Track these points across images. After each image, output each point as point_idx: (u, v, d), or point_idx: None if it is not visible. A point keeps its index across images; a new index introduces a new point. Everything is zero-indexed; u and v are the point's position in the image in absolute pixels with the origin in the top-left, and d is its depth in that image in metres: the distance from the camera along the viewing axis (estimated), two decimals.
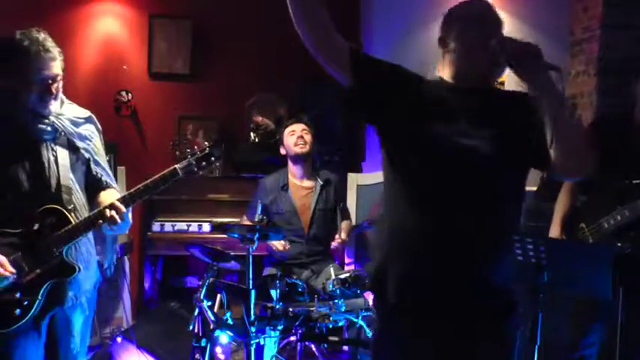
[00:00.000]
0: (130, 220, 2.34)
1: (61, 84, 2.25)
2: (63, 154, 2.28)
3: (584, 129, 1.87)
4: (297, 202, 3.78)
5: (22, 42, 2.15)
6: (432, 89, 1.89)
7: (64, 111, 2.32)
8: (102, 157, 2.43)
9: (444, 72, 1.93)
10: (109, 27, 4.77)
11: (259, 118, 4.74)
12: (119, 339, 3.53)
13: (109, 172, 2.45)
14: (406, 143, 1.85)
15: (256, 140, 4.74)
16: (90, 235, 2.37)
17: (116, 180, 4.34)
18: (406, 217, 1.83)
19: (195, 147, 2.42)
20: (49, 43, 2.19)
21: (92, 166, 2.36)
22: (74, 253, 2.28)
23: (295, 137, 3.73)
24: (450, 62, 1.91)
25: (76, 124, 2.34)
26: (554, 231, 3.01)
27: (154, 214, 4.37)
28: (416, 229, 1.81)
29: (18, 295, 2.16)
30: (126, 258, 4.42)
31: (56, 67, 2.21)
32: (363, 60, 1.90)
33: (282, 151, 3.83)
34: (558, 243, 2.49)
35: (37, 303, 2.18)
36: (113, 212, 2.20)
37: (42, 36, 2.18)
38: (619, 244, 2.79)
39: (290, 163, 3.83)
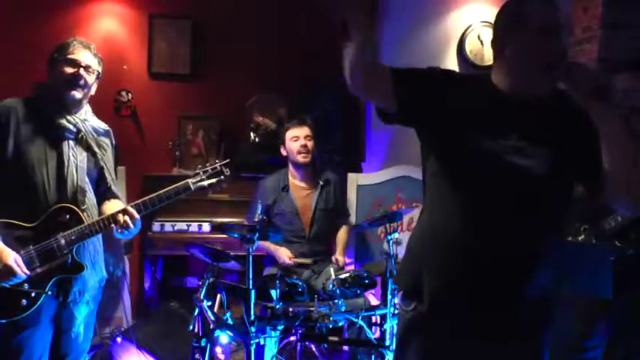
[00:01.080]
0: (140, 227, 2.42)
1: (92, 80, 2.42)
2: (82, 156, 2.40)
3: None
4: (298, 203, 3.79)
5: (69, 39, 2.40)
6: (481, 95, 1.74)
7: (89, 118, 2.47)
8: (112, 170, 2.54)
9: (497, 77, 1.77)
10: (109, 27, 4.77)
11: (260, 118, 4.74)
12: (119, 339, 3.52)
13: (116, 185, 2.55)
14: (454, 156, 1.74)
15: (256, 140, 4.74)
16: (99, 237, 2.48)
17: (116, 180, 4.40)
18: (448, 228, 1.75)
19: (207, 164, 2.54)
20: (92, 44, 2.45)
21: (105, 174, 2.47)
22: (82, 250, 2.37)
23: (298, 145, 3.73)
24: (504, 70, 1.74)
25: (97, 132, 2.48)
26: None
27: (154, 214, 4.37)
28: (458, 243, 1.73)
29: (26, 287, 2.25)
30: (126, 258, 4.42)
31: (89, 57, 2.40)
32: (404, 83, 1.72)
33: (284, 153, 3.83)
34: (559, 243, 2.48)
35: (43, 296, 2.26)
36: (127, 217, 2.31)
37: (88, 42, 2.45)
38: (619, 245, 2.80)
39: (291, 166, 3.83)
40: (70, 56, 2.37)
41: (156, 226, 4.36)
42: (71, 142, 2.38)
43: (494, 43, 1.77)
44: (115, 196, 2.53)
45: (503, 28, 1.73)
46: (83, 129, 2.41)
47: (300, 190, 3.83)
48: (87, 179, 2.41)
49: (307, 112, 4.49)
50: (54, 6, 4.62)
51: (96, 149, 2.44)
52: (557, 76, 1.63)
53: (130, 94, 4.75)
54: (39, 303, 2.26)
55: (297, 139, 3.74)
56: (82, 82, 2.37)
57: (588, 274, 2.07)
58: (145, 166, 4.56)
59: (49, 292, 2.27)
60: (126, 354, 3.47)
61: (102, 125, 2.54)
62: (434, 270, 1.78)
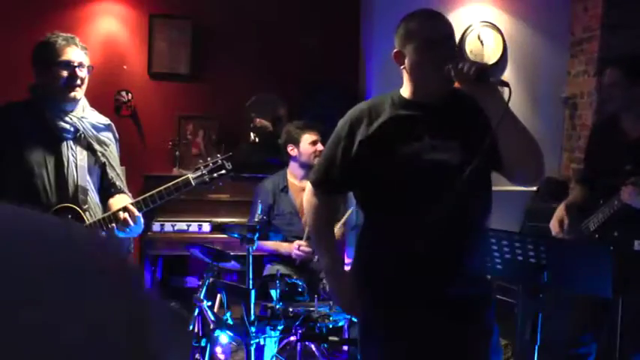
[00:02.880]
0: (142, 225, 2.39)
1: (85, 75, 2.36)
2: (82, 155, 2.37)
3: (530, 136, 1.94)
4: (297, 203, 3.80)
5: (51, 37, 2.34)
6: (389, 111, 1.97)
7: (87, 115, 2.43)
8: (117, 165, 2.50)
9: (404, 88, 2.01)
10: (109, 27, 4.77)
11: (257, 120, 4.75)
12: None
13: (123, 180, 2.52)
14: (382, 171, 1.96)
15: (256, 140, 4.74)
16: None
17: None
18: (385, 230, 1.99)
19: (209, 159, 2.46)
20: (76, 38, 2.39)
21: (107, 170, 2.44)
22: None
23: (316, 150, 3.75)
24: (406, 78, 1.99)
25: (97, 128, 2.44)
26: (558, 211, 3.04)
27: (154, 214, 4.36)
28: (395, 235, 1.94)
29: None
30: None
31: (79, 55, 2.34)
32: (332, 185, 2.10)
33: (293, 152, 3.83)
34: (558, 243, 2.49)
35: None
36: (126, 215, 2.27)
37: (69, 35, 2.39)
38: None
39: (294, 165, 3.84)
40: (63, 58, 2.33)
41: (156, 226, 4.36)
42: (70, 142, 2.36)
43: (396, 58, 1.99)
44: (121, 191, 2.49)
45: (400, 43, 1.97)
46: (81, 127, 2.38)
47: (299, 190, 3.83)
48: (88, 178, 2.38)
49: (307, 112, 4.49)
50: (54, 6, 4.61)
51: (96, 146, 2.41)
52: (447, 76, 1.84)
53: (130, 94, 4.75)
54: None
55: (315, 143, 3.78)
56: (78, 81, 2.35)
57: (587, 272, 2.07)
58: (145, 166, 4.56)
59: None
60: None
61: (102, 120, 2.50)
62: (377, 259, 2.02)
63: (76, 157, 2.36)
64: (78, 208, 2.31)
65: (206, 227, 4.39)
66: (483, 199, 2.03)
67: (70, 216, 2.28)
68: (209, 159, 2.47)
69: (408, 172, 1.92)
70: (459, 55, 1.98)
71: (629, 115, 2.98)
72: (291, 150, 3.83)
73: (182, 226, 4.38)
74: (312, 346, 3.06)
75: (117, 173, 2.48)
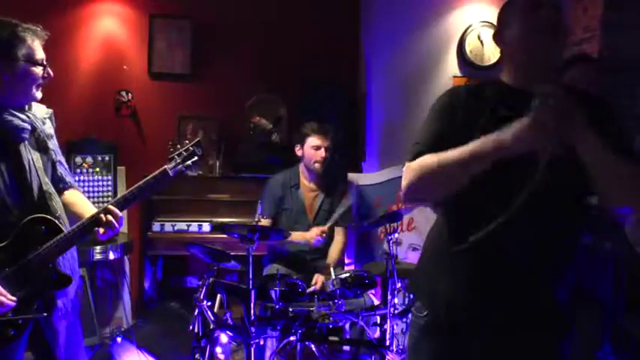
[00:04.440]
0: (123, 222, 2.21)
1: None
2: (36, 156, 2.13)
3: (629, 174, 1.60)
4: (305, 201, 3.82)
5: (13, 28, 2.09)
6: (491, 100, 1.74)
7: (33, 109, 2.20)
8: (62, 157, 2.29)
9: (504, 72, 1.81)
10: (109, 27, 4.77)
11: (256, 119, 4.75)
12: (119, 339, 3.53)
13: (69, 172, 2.34)
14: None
15: (256, 140, 4.74)
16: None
17: (116, 180, 4.41)
18: (466, 234, 1.71)
19: (178, 145, 2.31)
20: (37, 29, 2.13)
21: (57, 166, 2.24)
22: (61, 260, 2.13)
23: (318, 155, 3.75)
24: (506, 61, 1.81)
25: (43, 122, 2.22)
26: None
27: (153, 214, 4.37)
28: (478, 249, 1.70)
29: (10, 315, 2.00)
30: (126, 258, 4.43)
31: (42, 50, 2.11)
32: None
33: (299, 153, 3.84)
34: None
35: (31, 321, 2.05)
36: (109, 217, 2.08)
37: (28, 24, 2.12)
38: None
39: (303, 167, 3.85)
40: (37, 57, 2.09)
41: (156, 226, 4.36)
42: (27, 143, 2.10)
43: (495, 38, 1.81)
44: (70, 186, 2.29)
45: (499, 20, 1.79)
46: (38, 125, 2.14)
47: (308, 190, 3.86)
48: (48, 181, 2.14)
49: (307, 112, 4.49)
50: (54, 6, 4.61)
51: (49, 145, 2.18)
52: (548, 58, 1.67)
53: (130, 94, 4.75)
54: (27, 329, 2.04)
55: (317, 149, 3.76)
56: (43, 79, 2.12)
57: (587, 273, 2.08)
58: (145, 166, 4.50)
59: (44, 314, 2.06)
60: (126, 354, 3.47)
61: (44, 113, 2.25)
62: (449, 272, 1.80)
63: (33, 159, 2.10)
64: (52, 218, 2.08)
65: (206, 227, 4.39)
66: (575, 215, 1.76)
67: (43, 227, 2.06)
68: (179, 146, 2.29)
69: (509, 169, 1.59)
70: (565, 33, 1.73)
71: None
72: (298, 150, 3.84)
73: (182, 226, 4.38)
74: (312, 346, 3.06)
75: (65, 167, 2.28)
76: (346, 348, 3.38)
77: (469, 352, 1.78)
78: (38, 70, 2.10)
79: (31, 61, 2.08)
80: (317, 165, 3.76)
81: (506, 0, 1.82)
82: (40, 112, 2.23)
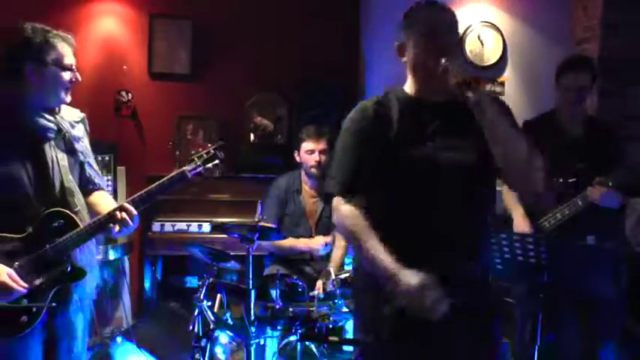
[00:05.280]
0: (138, 221, 2.29)
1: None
2: (62, 155, 2.23)
3: (522, 148, 1.83)
4: (307, 207, 3.81)
5: (44, 34, 2.19)
6: (398, 115, 1.91)
7: (63, 113, 2.31)
8: (92, 159, 2.40)
9: (407, 82, 1.96)
10: (109, 27, 4.77)
11: (258, 119, 4.75)
12: (119, 339, 3.52)
13: (99, 174, 2.42)
14: (395, 173, 1.88)
15: (256, 141, 4.74)
16: (93, 243, 2.35)
17: (116, 180, 4.41)
18: (399, 229, 1.87)
19: (200, 149, 2.38)
20: (68, 36, 2.26)
21: (86, 167, 2.33)
22: (78, 255, 2.22)
23: (312, 159, 3.71)
24: (409, 74, 1.95)
25: (72, 125, 2.32)
26: (522, 224, 3.03)
27: (153, 214, 4.37)
28: (411, 236, 1.85)
29: (25, 302, 2.10)
30: (126, 258, 4.42)
31: (73, 56, 2.25)
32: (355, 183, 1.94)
33: (297, 159, 3.82)
34: (558, 243, 2.49)
35: (44, 309, 2.12)
36: (124, 214, 2.17)
37: (58, 31, 2.24)
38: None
39: (303, 172, 3.84)
40: (66, 62, 2.21)
41: (156, 226, 4.35)
42: (52, 142, 2.21)
43: (398, 51, 1.95)
44: (99, 188, 2.38)
45: (402, 35, 1.94)
46: (64, 127, 2.25)
47: (309, 196, 3.86)
48: (72, 179, 2.24)
49: (307, 111, 4.49)
50: (54, 6, 4.61)
51: (76, 145, 2.28)
52: (443, 71, 1.78)
53: (130, 94, 4.75)
54: (40, 318, 2.11)
55: (311, 153, 3.73)
56: (69, 84, 2.24)
57: (587, 273, 2.07)
58: (145, 166, 4.55)
59: (54, 305, 2.12)
60: (126, 354, 3.46)
61: (76, 116, 2.37)
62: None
63: (59, 158, 2.21)
64: (69, 212, 2.17)
65: (206, 227, 4.39)
66: (488, 203, 1.97)
67: (62, 221, 2.15)
68: (201, 150, 2.38)
69: (421, 171, 1.85)
70: (458, 54, 1.90)
71: (565, 114, 3.02)
72: (297, 156, 3.82)
73: (182, 226, 4.37)
74: (312, 346, 3.06)
75: (95, 170, 2.37)
76: (346, 348, 3.38)
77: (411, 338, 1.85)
78: (66, 75, 2.21)
79: (60, 65, 2.19)
80: (313, 170, 3.73)
81: (404, 20, 1.94)
82: (71, 115, 2.34)
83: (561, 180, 2.89)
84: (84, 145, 2.34)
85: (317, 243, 3.64)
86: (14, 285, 2.05)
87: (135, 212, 2.20)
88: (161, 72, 4.83)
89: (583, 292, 2.55)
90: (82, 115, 2.39)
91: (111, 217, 2.18)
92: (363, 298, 2.02)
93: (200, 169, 2.32)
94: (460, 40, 4.44)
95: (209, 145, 2.39)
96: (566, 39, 4.56)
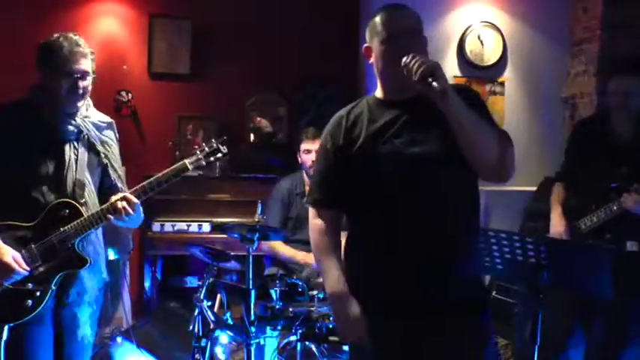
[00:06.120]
0: (142, 215, 2.39)
1: (89, 83, 2.33)
2: (83, 154, 2.36)
3: (486, 134, 1.81)
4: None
5: (58, 40, 2.28)
6: (366, 118, 1.94)
7: (90, 114, 2.42)
8: (118, 165, 2.49)
9: (377, 86, 1.99)
10: (109, 27, 4.77)
11: (257, 119, 4.75)
12: (119, 339, 3.52)
13: (124, 181, 2.50)
14: (364, 173, 1.91)
15: (256, 141, 4.74)
16: (99, 234, 2.45)
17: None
18: (371, 231, 1.93)
19: (204, 144, 2.47)
20: (82, 41, 2.31)
21: (109, 171, 2.43)
22: (83, 245, 2.33)
23: (310, 160, 3.71)
24: (377, 76, 1.97)
25: (99, 128, 2.43)
26: (558, 224, 3.03)
27: (153, 214, 4.37)
28: (382, 240, 1.89)
29: (30, 286, 2.22)
30: (126, 258, 4.42)
31: (85, 64, 2.29)
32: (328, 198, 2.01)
33: (299, 160, 3.82)
34: (558, 243, 2.49)
35: (49, 293, 2.23)
36: (124, 204, 2.25)
37: (76, 37, 2.31)
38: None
39: (304, 173, 3.83)
40: (66, 69, 2.26)
41: (156, 226, 4.36)
42: (74, 144, 2.35)
43: (366, 53, 1.97)
44: (123, 192, 2.43)
45: (368, 37, 1.95)
46: (85, 129, 2.37)
47: None
48: (87, 174, 2.36)
49: (307, 111, 4.50)
50: (54, 6, 4.61)
51: (99, 147, 2.40)
52: (407, 72, 1.78)
53: (130, 94, 4.75)
54: (45, 302, 2.23)
55: (309, 153, 3.72)
56: (80, 91, 2.30)
57: (587, 273, 2.07)
58: (145, 166, 4.54)
59: (54, 288, 2.24)
60: (126, 354, 3.47)
61: (104, 119, 2.49)
62: (356, 267, 1.95)
63: (78, 155, 2.34)
64: (75, 203, 2.28)
65: (206, 227, 4.39)
66: (467, 195, 1.94)
67: (67, 211, 2.27)
68: (204, 144, 2.47)
69: (389, 169, 1.87)
70: (424, 52, 1.89)
71: (614, 117, 2.98)
72: (299, 157, 3.81)
73: (182, 226, 4.38)
74: (312, 346, 3.06)
75: (118, 175, 2.47)
76: (346, 348, 3.38)
77: (393, 336, 1.87)
78: (65, 82, 2.27)
79: (59, 71, 2.26)
80: (311, 170, 3.73)
81: (369, 24, 1.94)
82: (97, 117, 2.46)
83: (600, 183, 2.89)
84: (111, 151, 2.45)
85: (313, 260, 3.63)
86: (16, 266, 2.18)
87: (136, 201, 2.28)
88: (161, 72, 4.83)
89: (582, 292, 2.55)
90: (110, 120, 2.51)
91: (112, 206, 2.27)
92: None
93: (202, 161, 2.39)
94: (460, 41, 4.45)
95: (213, 140, 2.46)
96: (566, 39, 4.56)
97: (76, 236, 2.27)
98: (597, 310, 2.90)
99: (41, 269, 2.24)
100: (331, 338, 2.90)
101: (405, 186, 1.86)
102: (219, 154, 2.43)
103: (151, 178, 2.35)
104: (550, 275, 1.98)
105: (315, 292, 3.08)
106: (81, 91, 2.30)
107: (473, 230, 1.96)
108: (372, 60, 1.96)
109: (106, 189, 2.44)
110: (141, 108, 4.81)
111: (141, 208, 2.35)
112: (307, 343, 2.98)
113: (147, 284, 4.52)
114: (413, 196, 1.85)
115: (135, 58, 4.82)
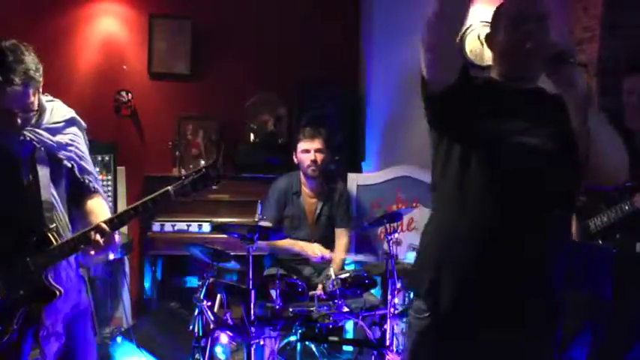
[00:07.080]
0: (118, 243, 2.12)
1: (33, 105, 2.02)
2: (43, 170, 2.09)
3: (613, 130, 1.75)
4: (306, 208, 3.82)
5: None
6: (488, 89, 1.87)
7: (42, 119, 2.11)
8: (86, 160, 2.22)
9: (493, 69, 1.93)
10: (109, 27, 4.77)
11: (257, 119, 4.75)
12: (119, 339, 3.52)
13: (96, 175, 2.28)
14: (472, 143, 1.80)
15: (256, 140, 4.74)
16: (72, 259, 2.17)
17: (116, 180, 4.41)
18: (461, 220, 1.80)
19: (191, 167, 2.17)
20: (20, 67, 1.92)
21: (77, 173, 2.17)
22: (53, 278, 2.07)
23: (308, 159, 3.72)
24: (495, 60, 1.93)
25: (54, 131, 2.13)
26: None
27: (153, 214, 4.37)
28: (474, 232, 1.78)
29: None
30: (126, 258, 4.42)
31: (21, 98, 1.95)
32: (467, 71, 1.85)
33: (295, 160, 3.83)
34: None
35: (11, 330, 2.01)
36: (97, 237, 1.99)
37: (10, 62, 1.91)
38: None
39: (301, 173, 3.84)
40: (6, 105, 1.94)
41: (156, 226, 4.36)
42: (28, 160, 2.07)
43: (486, 40, 1.95)
44: (96, 191, 2.23)
45: (491, 24, 1.93)
46: (37, 140, 2.07)
47: (308, 197, 3.86)
48: (55, 193, 2.10)
49: (307, 112, 4.49)
50: (54, 6, 4.61)
51: (59, 154, 2.11)
52: (528, 54, 1.77)
53: (130, 94, 4.75)
54: (6, 339, 2.00)
55: (307, 152, 3.73)
56: (20, 123, 1.99)
57: (587, 273, 2.07)
58: (144, 166, 4.55)
59: (16, 326, 2.00)
60: (126, 354, 3.47)
61: (59, 117, 2.16)
62: (450, 263, 1.81)
63: (37, 173, 2.07)
64: (44, 230, 2.03)
65: (206, 227, 4.39)
66: (570, 201, 1.85)
67: (35, 238, 2.02)
68: (192, 168, 2.22)
69: (496, 149, 1.77)
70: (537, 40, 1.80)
71: (629, 116, 2.97)
72: (294, 157, 3.82)
73: (182, 226, 4.38)
74: (312, 346, 3.06)
75: (89, 171, 2.21)
76: (346, 348, 3.38)
77: (474, 352, 1.79)
78: (12, 121, 1.99)
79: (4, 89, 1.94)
80: (309, 170, 3.73)
81: (496, 8, 1.92)
82: (57, 115, 2.16)
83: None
84: (74, 149, 2.17)
85: (313, 250, 3.64)
86: None
87: (110, 231, 2.02)
88: (161, 72, 4.83)
89: (583, 291, 2.55)
90: (70, 115, 2.20)
91: (84, 237, 2.02)
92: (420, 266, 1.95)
93: (187, 188, 2.14)
94: (460, 41, 4.44)
95: (202, 162, 2.21)
96: (566, 39, 4.56)
97: (46, 267, 2.03)
98: (605, 310, 2.89)
99: (5, 298, 2.01)
100: (331, 338, 2.91)
101: (505, 173, 1.76)
102: (209, 181, 2.15)
103: (129, 207, 2.10)
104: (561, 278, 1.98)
105: (315, 292, 3.08)
106: (20, 123, 1.99)
107: (566, 237, 1.90)
108: (492, 48, 1.92)
109: (77, 191, 2.20)
110: (141, 108, 4.81)
111: (117, 237, 2.09)
112: (307, 343, 2.98)
113: (147, 284, 4.52)
114: (513, 186, 1.76)
115: (135, 58, 4.81)
